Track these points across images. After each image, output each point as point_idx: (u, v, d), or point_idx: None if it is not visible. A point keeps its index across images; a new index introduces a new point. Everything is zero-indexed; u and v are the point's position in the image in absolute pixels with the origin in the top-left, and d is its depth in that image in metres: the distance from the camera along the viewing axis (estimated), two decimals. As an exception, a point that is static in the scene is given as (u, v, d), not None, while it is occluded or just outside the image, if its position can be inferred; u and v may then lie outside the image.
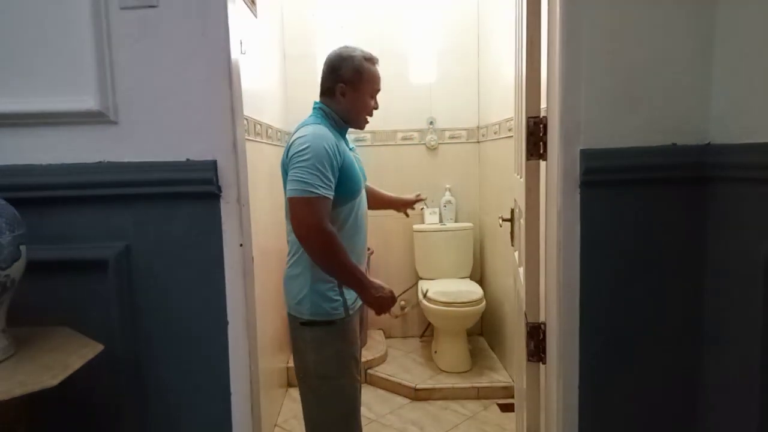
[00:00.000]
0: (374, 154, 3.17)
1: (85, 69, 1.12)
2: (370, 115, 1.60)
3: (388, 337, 3.34)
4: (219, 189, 1.15)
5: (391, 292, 1.48)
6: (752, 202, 1.02)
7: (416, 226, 3.20)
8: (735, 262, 1.08)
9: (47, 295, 1.16)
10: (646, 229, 1.18)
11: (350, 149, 1.59)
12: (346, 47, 1.57)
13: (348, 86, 1.54)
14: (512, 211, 1.79)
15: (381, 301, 1.46)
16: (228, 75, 1.14)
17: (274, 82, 2.80)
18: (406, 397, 2.67)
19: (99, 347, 1.03)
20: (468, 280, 3.10)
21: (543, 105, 1.29)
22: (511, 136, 2.11)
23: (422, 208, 3.26)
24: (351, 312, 1.52)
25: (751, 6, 1.02)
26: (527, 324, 1.37)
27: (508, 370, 2.75)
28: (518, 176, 1.58)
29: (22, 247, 0.97)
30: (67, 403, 1.15)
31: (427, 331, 3.34)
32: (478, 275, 3.31)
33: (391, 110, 3.18)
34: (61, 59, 1.12)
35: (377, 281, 1.47)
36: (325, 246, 1.39)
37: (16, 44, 1.12)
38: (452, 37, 3.22)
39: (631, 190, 1.17)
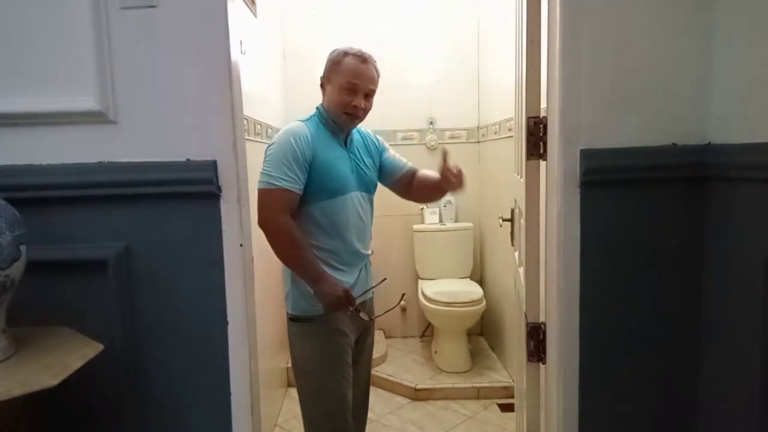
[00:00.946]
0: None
1: (84, 69, 1.12)
2: (352, 112, 1.50)
3: (388, 337, 3.34)
4: (219, 189, 1.15)
5: (345, 291, 1.46)
6: (752, 202, 1.02)
7: (416, 226, 3.20)
8: (735, 262, 1.08)
9: (47, 295, 1.16)
10: (646, 229, 1.18)
11: (347, 150, 1.55)
12: (342, 47, 1.55)
13: (324, 78, 1.55)
14: (512, 211, 1.79)
15: (330, 298, 1.45)
16: (228, 75, 1.14)
17: (274, 82, 2.80)
18: (406, 397, 2.67)
19: (99, 347, 1.03)
20: (468, 280, 3.10)
21: (543, 105, 1.29)
22: (511, 136, 2.11)
23: (422, 209, 3.26)
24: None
25: (751, 6, 1.02)
26: (527, 324, 1.37)
27: (508, 370, 2.75)
28: (518, 176, 1.58)
29: (22, 247, 0.97)
30: (67, 403, 1.15)
31: (427, 331, 3.34)
32: (478, 275, 3.31)
33: (391, 110, 3.18)
34: (61, 59, 1.12)
35: (332, 278, 1.47)
36: (278, 236, 1.43)
37: (16, 44, 1.12)
38: (452, 37, 3.22)
39: (631, 190, 1.17)
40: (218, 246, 1.17)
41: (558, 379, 1.21)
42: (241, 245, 1.18)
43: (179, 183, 1.15)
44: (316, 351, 1.51)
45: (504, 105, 2.47)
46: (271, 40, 2.78)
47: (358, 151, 1.60)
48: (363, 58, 1.51)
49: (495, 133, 2.89)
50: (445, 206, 3.24)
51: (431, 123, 3.28)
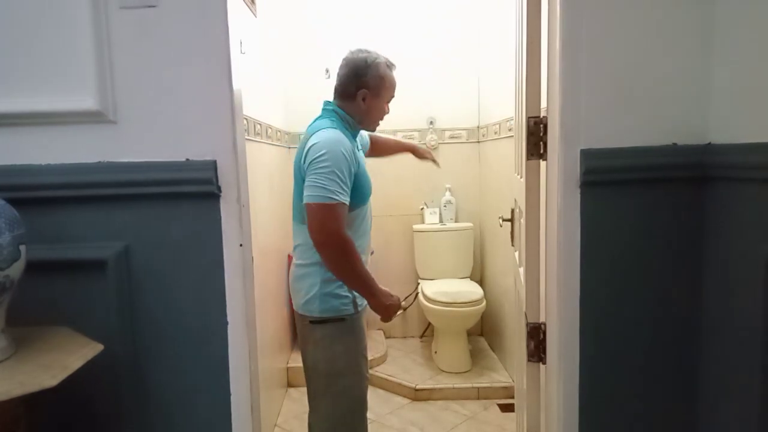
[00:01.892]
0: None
1: (84, 68, 1.12)
2: (383, 119, 1.65)
3: (388, 337, 3.34)
4: (219, 189, 1.15)
5: (398, 299, 1.53)
6: (752, 202, 1.02)
7: (416, 226, 3.20)
8: (735, 262, 1.08)
9: (47, 295, 1.16)
10: (646, 229, 1.17)
11: (359, 149, 1.58)
12: (369, 53, 1.56)
13: (371, 92, 1.55)
14: (512, 211, 1.79)
15: (390, 309, 1.50)
16: (228, 75, 1.13)
17: (274, 82, 2.80)
18: (406, 397, 2.67)
19: (98, 347, 1.03)
20: (468, 280, 3.10)
21: (543, 105, 1.29)
22: (511, 136, 2.11)
23: (422, 208, 3.26)
24: (360, 308, 1.53)
25: (751, 6, 1.02)
26: (527, 324, 1.37)
27: (508, 370, 2.75)
28: (518, 176, 1.58)
29: (22, 247, 0.97)
30: (66, 403, 1.15)
31: (427, 331, 3.34)
32: (478, 275, 3.31)
33: (391, 110, 3.18)
34: (60, 59, 1.12)
35: (385, 289, 1.50)
36: (343, 253, 1.40)
37: (16, 44, 1.12)
38: (452, 36, 3.22)
39: (631, 190, 1.17)
40: (218, 246, 1.17)
41: (558, 379, 1.21)
42: (241, 245, 1.18)
43: (179, 183, 1.14)
44: (347, 352, 1.51)
45: (504, 105, 2.47)
46: (271, 40, 2.78)
47: (362, 150, 1.64)
48: (394, 67, 1.61)
49: (495, 133, 2.89)
50: (445, 206, 3.24)
51: (431, 123, 3.28)
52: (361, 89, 1.54)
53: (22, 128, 1.15)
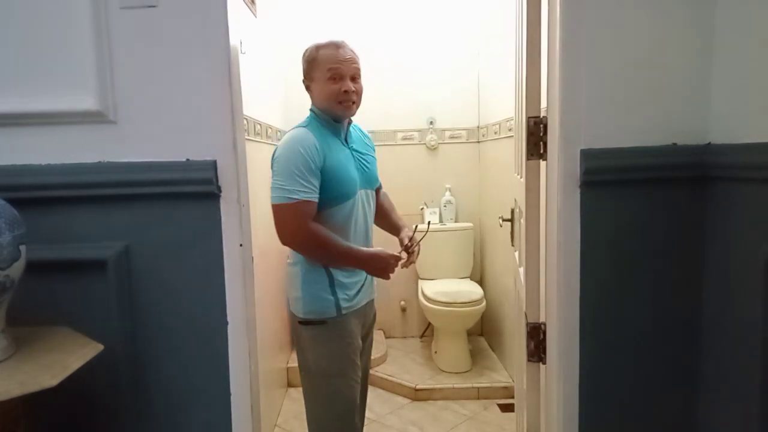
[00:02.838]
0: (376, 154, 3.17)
1: (84, 69, 1.12)
2: (345, 99, 1.46)
3: (388, 337, 3.34)
4: (219, 189, 1.15)
5: (389, 255, 1.51)
6: (752, 202, 1.02)
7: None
8: (735, 262, 1.08)
9: (47, 295, 1.16)
10: (646, 229, 1.18)
11: (350, 147, 1.54)
12: None
13: (306, 78, 1.53)
14: (512, 211, 1.79)
15: (386, 269, 1.51)
16: (228, 75, 1.14)
17: (274, 82, 2.80)
18: (406, 397, 2.66)
19: (99, 347, 1.03)
20: (468, 280, 3.10)
21: (543, 105, 1.29)
22: (511, 136, 2.11)
23: (422, 208, 3.26)
24: (344, 312, 1.50)
25: (751, 6, 1.02)
26: (527, 324, 1.37)
27: (508, 370, 2.75)
28: (518, 176, 1.58)
29: (22, 247, 0.97)
30: (67, 403, 1.15)
31: (427, 331, 3.34)
32: (478, 275, 3.31)
33: (391, 110, 3.19)
34: (60, 59, 1.12)
35: (370, 251, 1.50)
36: (314, 246, 1.42)
37: (16, 44, 1.12)
38: (452, 36, 3.22)
39: (632, 190, 1.17)
40: (218, 246, 1.17)
41: (558, 379, 1.21)
42: (241, 245, 1.18)
43: (179, 183, 1.15)
44: (330, 354, 1.50)
45: (504, 105, 2.47)
46: (271, 40, 2.78)
47: (359, 146, 1.59)
48: (336, 45, 1.48)
49: (495, 133, 2.89)
50: (445, 206, 3.24)
51: (431, 123, 3.28)
52: (303, 80, 1.55)
53: (22, 128, 1.15)
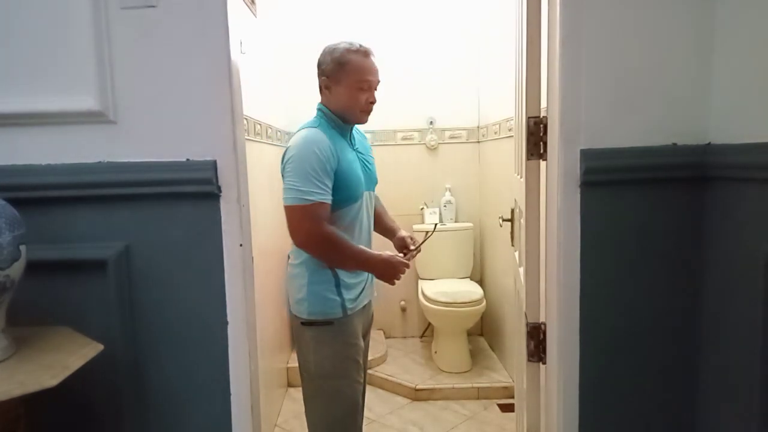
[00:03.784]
0: (374, 154, 3.17)
1: (84, 69, 1.12)
2: (365, 109, 1.50)
3: (388, 337, 3.34)
4: (219, 189, 1.15)
5: (396, 260, 1.50)
6: (752, 202, 1.02)
7: (416, 226, 3.19)
8: (735, 262, 1.08)
9: (47, 295, 1.16)
10: (646, 229, 1.18)
11: (355, 149, 1.55)
12: (334, 42, 1.51)
13: (330, 80, 1.48)
14: (512, 211, 1.79)
15: (392, 275, 1.50)
16: (228, 75, 1.14)
17: (274, 82, 2.80)
18: (406, 397, 2.67)
19: (99, 347, 1.03)
20: (468, 280, 3.10)
21: (543, 105, 1.29)
22: (511, 136, 2.11)
23: (422, 208, 3.26)
24: (349, 312, 1.50)
25: (751, 6, 1.02)
26: (527, 324, 1.37)
27: (508, 370, 2.75)
28: (518, 176, 1.58)
29: (22, 247, 0.97)
30: (67, 403, 1.15)
31: (427, 331, 3.34)
32: (478, 275, 3.31)
33: (391, 110, 3.18)
34: (60, 59, 1.12)
35: (383, 256, 1.49)
36: (328, 249, 1.41)
37: (16, 44, 1.12)
38: (452, 36, 3.22)
39: (632, 190, 1.17)
40: (218, 246, 1.17)
41: (558, 379, 1.21)
42: (241, 245, 1.18)
43: (179, 183, 1.15)
44: (334, 355, 1.49)
45: (504, 105, 2.47)
46: (271, 40, 2.78)
47: (361, 147, 1.60)
48: (365, 53, 1.48)
49: (495, 133, 2.89)
50: (445, 206, 3.24)
51: (431, 123, 3.28)
52: (321, 78, 1.50)
53: (22, 128, 1.15)
